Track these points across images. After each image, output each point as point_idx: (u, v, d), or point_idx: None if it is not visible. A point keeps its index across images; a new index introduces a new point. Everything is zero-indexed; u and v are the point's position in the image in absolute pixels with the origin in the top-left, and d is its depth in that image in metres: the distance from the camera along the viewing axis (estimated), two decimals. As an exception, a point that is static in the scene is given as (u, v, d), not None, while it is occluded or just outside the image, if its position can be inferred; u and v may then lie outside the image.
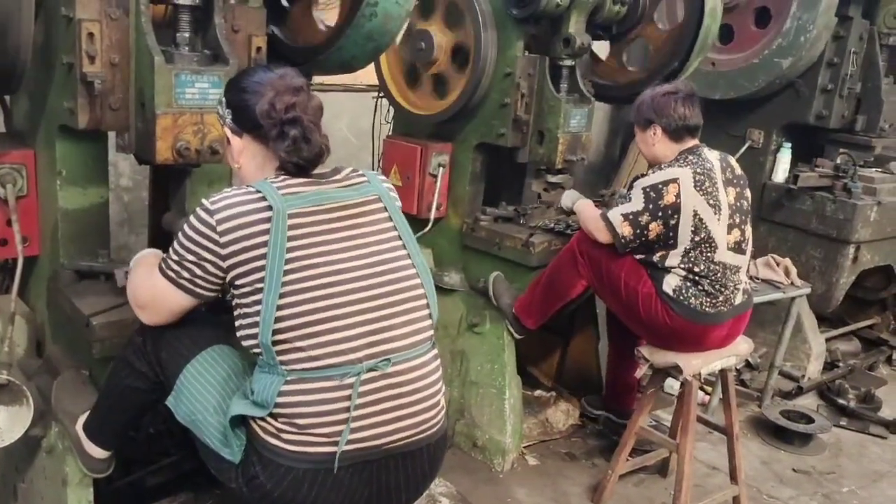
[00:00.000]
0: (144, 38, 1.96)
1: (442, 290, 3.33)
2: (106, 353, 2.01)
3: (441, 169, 3.26)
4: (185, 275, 1.66)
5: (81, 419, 2.01)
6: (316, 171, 1.72)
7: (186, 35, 2.07)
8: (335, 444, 1.60)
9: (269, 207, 1.61)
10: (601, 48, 3.53)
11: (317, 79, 4.35)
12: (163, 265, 1.69)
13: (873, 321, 4.81)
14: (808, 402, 4.04)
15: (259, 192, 1.63)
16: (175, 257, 1.66)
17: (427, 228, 3.32)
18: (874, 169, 4.37)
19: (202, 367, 1.75)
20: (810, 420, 3.71)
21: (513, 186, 3.52)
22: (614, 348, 3.29)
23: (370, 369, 1.63)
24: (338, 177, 1.74)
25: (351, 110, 4.53)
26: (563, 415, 3.53)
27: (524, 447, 3.32)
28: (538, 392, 3.65)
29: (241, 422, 1.66)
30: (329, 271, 1.62)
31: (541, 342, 3.68)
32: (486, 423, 3.23)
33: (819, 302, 4.21)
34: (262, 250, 1.59)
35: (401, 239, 1.75)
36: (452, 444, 3.30)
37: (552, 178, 3.24)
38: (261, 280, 1.59)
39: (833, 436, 3.74)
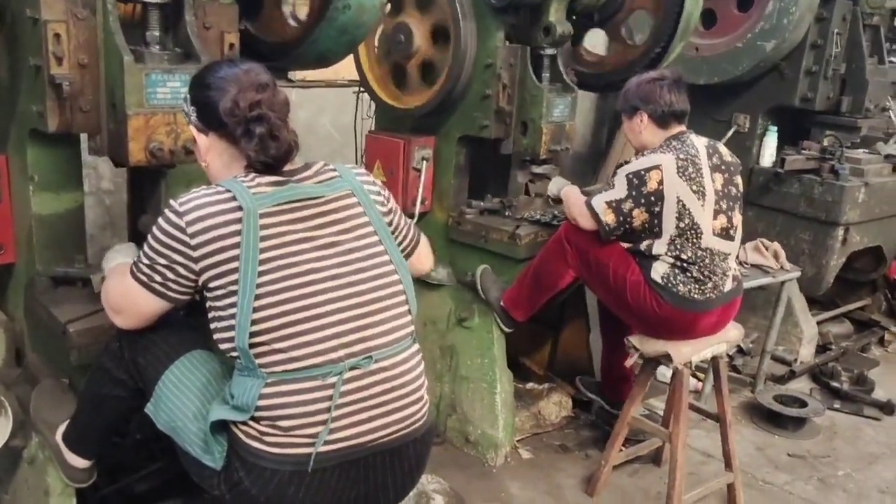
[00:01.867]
0: (113, 38, 1.92)
1: (429, 285, 3.30)
2: (84, 360, 1.97)
3: (424, 163, 3.22)
4: (157, 278, 1.62)
5: (61, 428, 1.98)
6: (286, 168, 1.68)
7: (156, 34, 2.03)
8: (322, 443, 1.57)
9: (240, 207, 1.57)
10: (589, 37, 3.50)
11: (298, 75, 4.35)
12: (134, 268, 1.65)
13: (864, 303, 4.81)
14: (801, 386, 4.03)
15: (229, 191, 1.59)
16: (146, 261, 1.63)
17: (412, 223, 3.28)
18: (861, 150, 4.36)
19: (181, 374, 1.71)
20: (804, 404, 3.70)
21: (498, 178, 3.49)
22: (606, 338, 3.26)
23: (352, 367, 1.60)
24: (308, 172, 1.71)
25: (334, 106, 4.49)
26: (555, 406, 3.51)
27: (517, 441, 3.30)
28: (530, 384, 3.63)
29: (222, 427, 1.63)
30: (305, 270, 1.59)
31: (532, 334, 3.66)
32: (477, 417, 3.20)
33: (809, 285, 4.20)
34: (235, 252, 1.55)
35: (376, 234, 1.72)
36: (445, 439, 3.28)
37: (537, 169, 3.21)
38: (235, 282, 1.55)
39: (827, 419, 3.73)
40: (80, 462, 1.97)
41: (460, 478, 3.04)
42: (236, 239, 1.55)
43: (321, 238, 1.63)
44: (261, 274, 1.55)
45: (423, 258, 2.01)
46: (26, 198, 2.18)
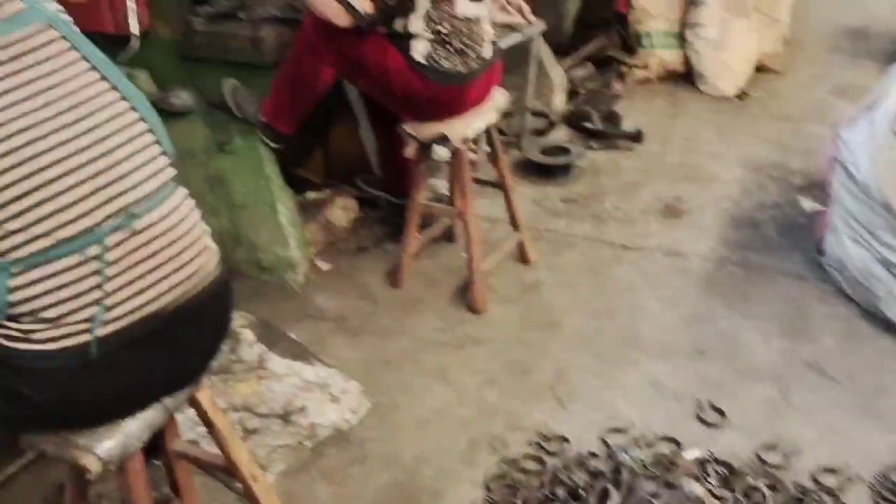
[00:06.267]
0: None
1: (174, 114, 2.92)
2: None
3: (128, -29, 2.72)
4: None
5: None
6: None
7: None
8: (101, 325, 1.35)
9: None
10: None
11: None
12: None
13: (601, 42, 5.02)
14: (560, 135, 4.24)
15: None
16: None
17: (133, 47, 2.81)
18: None
19: None
20: (567, 151, 3.90)
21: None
22: (378, 132, 3.14)
23: (114, 230, 1.35)
24: None
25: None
26: (342, 211, 3.40)
27: (313, 254, 3.19)
28: (311, 194, 3.47)
29: None
30: (17, 129, 1.26)
31: (299, 142, 3.43)
32: (266, 242, 3.03)
33: (552, 34, 4.27)
34: None
35: (95, 69, 1.39)
36: (238, 273, 3.09)
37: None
38: None
39: (588, 160, 3.97)
40: None
41: (265, 307, 2.91)
42: None
43: (25, 87, 1.29)
44: None
45: None
46: None
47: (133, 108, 1.42)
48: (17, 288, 1.29)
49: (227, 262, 2.98)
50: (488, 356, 2.71)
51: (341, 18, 2.46)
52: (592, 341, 2.78)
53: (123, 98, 1.41)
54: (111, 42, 2.80)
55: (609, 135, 4.18)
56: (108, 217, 1.34)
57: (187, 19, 2.87)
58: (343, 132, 3.49)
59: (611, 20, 5.00)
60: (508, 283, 3.10)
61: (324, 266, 3.17)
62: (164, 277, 1.42)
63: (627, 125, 4.25)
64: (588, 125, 4.22)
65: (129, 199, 1.37)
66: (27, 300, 1.30)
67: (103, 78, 1.39)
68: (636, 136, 4.15)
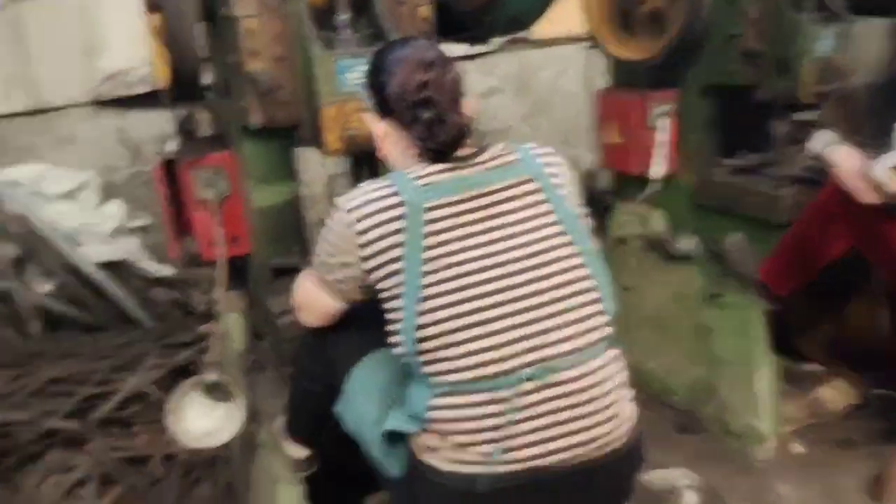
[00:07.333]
0: (302, 26, 1.91)
1: (675, 258, 2.95)
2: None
3: (663, 120, 2.86)
4: (330, 277, 1.57)
5: (280, 418, 2.03)
6: (460, 153, 1.51)
7: (345, 17, 1.98)
8: (495, 463, 1.40)
9: (402, 203, 1.44)
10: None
11: (535, 34, 4.14)
12: (311, 266, 1.61)
13: None
14: None
15: (392, 185, 1.47)
16: (319, 259, 1.58)
17: (655, 189, 2.94)
18: None
19: (367, 373, 1.64)
20: None
21: (756, 132, 3.00)
22: (892, 315, 2.68)
23: (528, 379, 1.40)
24: (483, 157, 1.52)
25: (577, 62, 4.23)
26: (837, 393, 2.97)
27: (790, 432, 2.85)
28: (807, 367, 3.12)
29: (402, 435, 1.53)
30: (474, 269, 1.42)
31: (811, 307, 3.14)
32: (739, 405, 2.80)
33: None
34: (398, 251, 1.43)
35: (560, 223, 1.48)
36: (701, 429, 2.93)
37: (801, 116, 2.68)
38: (400, 284, 1.43)
39: None
40: (297, 452, 2.00)
41: (718, 473, 2.68)
42: (400, 238, 1.43)
43: (493, 231, 1.45)
44: (425, 275, 1.41)
45: None
46: (248, 191, 2.27)
47: (584, 265, 1.47)
48: (435, 407, 1.43)
49: (695, 414, 2.91)
50: None
51: (868, 196, 2.20)
52: None
53: (579, 254, 1.47)
54: (636, 181, 3.00)
55: None
56: (526, 365, 1.41)
57: (710, 170, 2.89)
58: (862, 310, 3.06)
59: None
60: None
61: (797, 449, 2.80)
62: (565, 435, 1.42)
63: None
64: None
65: (550, 352, 1.42)
66: (440, 420, 1.44)
67: (564, 232, 1.48)
68: None
